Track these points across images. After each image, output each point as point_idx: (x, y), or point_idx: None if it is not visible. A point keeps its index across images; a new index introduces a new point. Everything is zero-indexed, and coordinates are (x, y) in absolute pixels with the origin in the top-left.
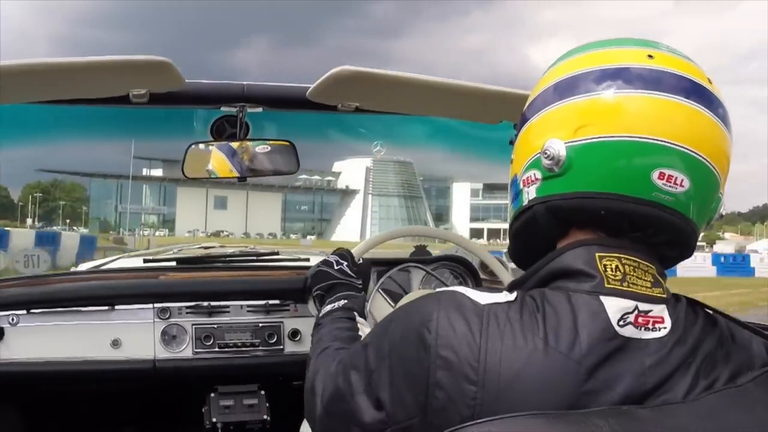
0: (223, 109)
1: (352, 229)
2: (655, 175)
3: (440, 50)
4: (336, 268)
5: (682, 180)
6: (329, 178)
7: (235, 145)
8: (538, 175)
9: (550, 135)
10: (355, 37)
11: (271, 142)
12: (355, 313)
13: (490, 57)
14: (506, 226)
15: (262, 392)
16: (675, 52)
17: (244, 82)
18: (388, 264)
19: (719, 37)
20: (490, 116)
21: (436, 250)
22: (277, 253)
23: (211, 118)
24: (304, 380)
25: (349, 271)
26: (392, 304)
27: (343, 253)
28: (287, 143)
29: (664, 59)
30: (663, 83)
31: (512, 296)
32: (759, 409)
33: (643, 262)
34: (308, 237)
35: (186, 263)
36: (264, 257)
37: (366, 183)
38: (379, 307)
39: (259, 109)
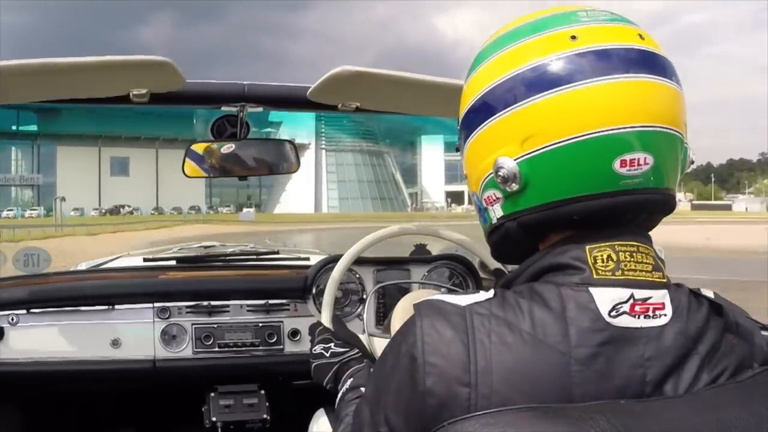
0: (223, 108)
1: (303, 197)
2: (616, 164)
3: (348, 21)
4: (328, 355)
5: (644, 158)
6: (267, 129)
7: (200, 150)
8: (498, 194)
9: (497, 153)
10: (260, 11)
11: (272, 142)
12: (362, 389)
13: (397, 27)
14: None
15: (262, 392)
16: (597, 18)
17: (245, 82)
18: (389, 263)
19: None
20: None
21: (435, 249)
22: (277, 252)
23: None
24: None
25: (341, 349)
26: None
27: (324, 337)
28: (288, 143)
29: (587, 35)
30: (594, 66)
31: (490, 294)
32: (756, 405)
33: (642, 245)
34: (245, 210)
35: (186, 262)
36: (264, 257)
37: (317, 135)
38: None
39: (260, 109)
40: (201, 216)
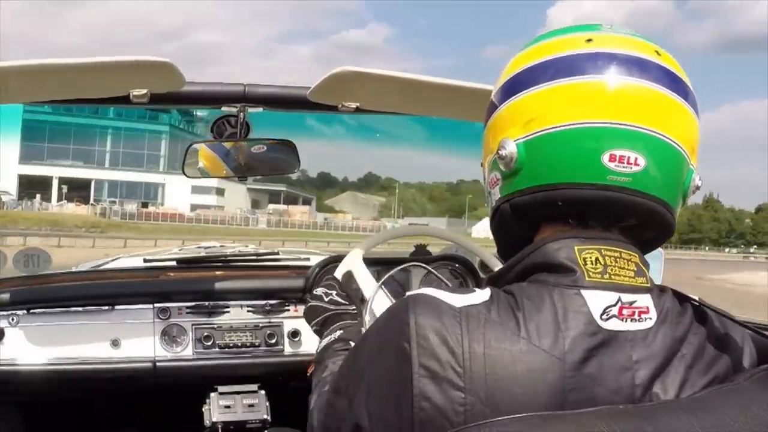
0: (223, 109)
1: None
2: (605, 158)
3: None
4: (326, 300)
5: (636, 158)
6: None
7: (228, 144)
8: (498, 175)
9: (503, 135)
10: None
11: (270, 141)
12: (352, 343)
13: None
14: None
15: (262, 392)
16: (617, 30)
17: (245, 83)
18: (387, 263)
19: (138, 15)
20: None
21: (435, 249)
22: (277, 253)
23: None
24: (307, 380)
25: (341, 300)
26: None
27: (330, 283)
28: (287, 143)
29: (603, 40)
30: (598, 65)
31: (486, 295)
32: (755, 408)
33: (624, 251)
34: None
35: (186, 263)
36: (264, 257)
37: None
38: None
39: (260, 109)
40: None
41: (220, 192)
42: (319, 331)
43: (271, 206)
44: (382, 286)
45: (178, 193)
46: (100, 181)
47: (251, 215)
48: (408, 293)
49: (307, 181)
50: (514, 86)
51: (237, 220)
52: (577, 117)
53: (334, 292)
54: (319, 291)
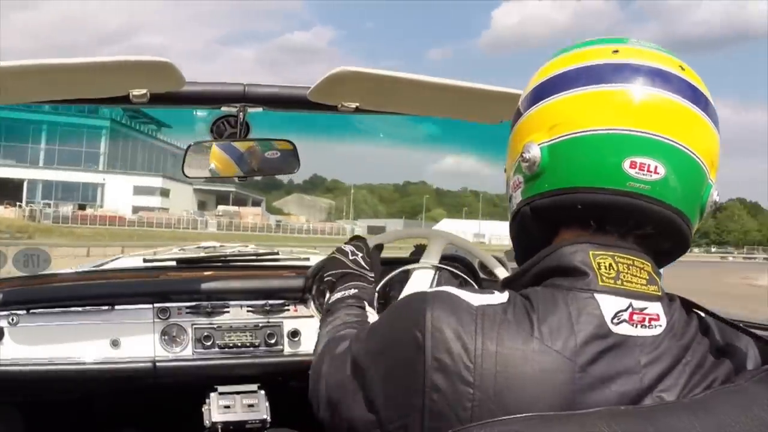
0: (223, 108)
1: None
2: (626, 164)
3: None
4: (351, 258)
5: (656, 167)
6: None
7: (241, 147)
8: (521, 178)
9: (528, 138)
10: None
11: (273, 142)
12: (365, 303)
13: None
14: None
15: (262, 392)
16: (646, 45)
17: (245, 83)
18: (388, 263)
19: (82, 17)
20: (491, 116)
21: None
22: (277, 253)
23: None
24: (310, 367)
25: (363, 263)
26: None
27: (359, 244)
28: (288, 143)
29: (628, 52)
30: (623, 75)
31: (504, 297)
32: (756, 408)
33: (638, 259)
34: None
35: (186, 263)
36: (264, 257)
37: None
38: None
39: (260, 109)
40: None
41: (164, 193)
42: (333, 284)
43: (221, 207)
44: (440, 266)
45: (119, 194)
46: (33, 181)
47: (199, 217)
48: (428, 289)
49: (251, 184)
50: (541, 92)
51: (184, 223)
52: (600, 123)
53: (360, 255)
54: (347, 248)
